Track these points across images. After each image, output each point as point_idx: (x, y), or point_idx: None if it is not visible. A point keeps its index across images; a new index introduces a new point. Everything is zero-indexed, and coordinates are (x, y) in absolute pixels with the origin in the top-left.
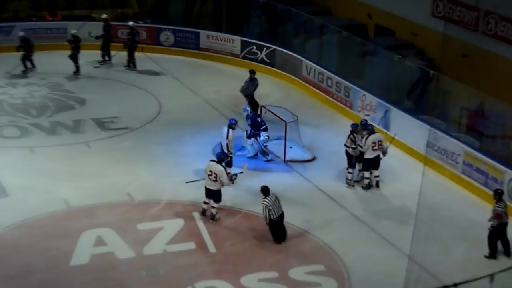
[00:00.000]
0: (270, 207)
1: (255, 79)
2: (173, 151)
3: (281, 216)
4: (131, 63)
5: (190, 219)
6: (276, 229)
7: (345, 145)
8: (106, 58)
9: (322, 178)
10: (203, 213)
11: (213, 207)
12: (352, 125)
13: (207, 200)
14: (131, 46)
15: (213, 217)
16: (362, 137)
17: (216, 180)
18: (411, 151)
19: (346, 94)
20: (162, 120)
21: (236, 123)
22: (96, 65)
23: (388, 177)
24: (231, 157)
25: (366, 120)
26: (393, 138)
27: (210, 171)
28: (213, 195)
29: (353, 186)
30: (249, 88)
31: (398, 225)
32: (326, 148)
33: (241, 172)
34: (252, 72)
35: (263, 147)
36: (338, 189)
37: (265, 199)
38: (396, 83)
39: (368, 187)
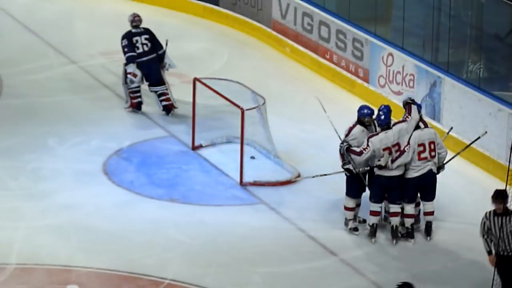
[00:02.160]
0: None
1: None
2: (23, 169)
3: None
4: None
5: None
6: None
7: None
8: None
9: (315, 216)
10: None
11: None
12: (360, 110)
13: (377, 206)
14: None
15: (396, 233)
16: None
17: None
18: (483, 161)
19: (358, 54)
20: (1, 111)
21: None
22: None
23: (443, 213)
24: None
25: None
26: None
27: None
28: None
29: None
30: None
31: None
32: (321, 157)
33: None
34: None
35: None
36: (348, 237)
37: None
38: (454, 29)
39: (408, 233)
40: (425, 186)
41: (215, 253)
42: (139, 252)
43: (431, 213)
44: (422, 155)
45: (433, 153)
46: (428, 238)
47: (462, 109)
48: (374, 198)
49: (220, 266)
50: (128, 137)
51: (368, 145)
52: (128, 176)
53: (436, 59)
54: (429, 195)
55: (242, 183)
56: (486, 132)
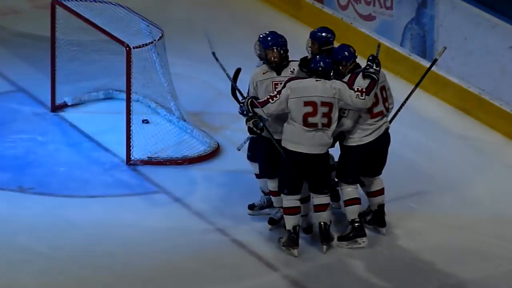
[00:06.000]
0: None
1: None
2: None
3: None
4: None
5: None
6: None
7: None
8: None
9: (242, 209)
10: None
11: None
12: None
13: (294, 200)
14: None
15: (327, 236)
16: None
17: (328, 125)
18: (497, 115)
19: None
20: None
21: None
22: None
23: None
24: None
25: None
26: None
27: (310, 102)
28: (318, 171)
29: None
30: None
31: None
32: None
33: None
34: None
35: None
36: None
37: None
38: None
39: (357, 229)
40: (379, 153)
41: (89, 270)
42: None
43: (382, 192)
44: (376, 109)
45: (386, 104)
46: (383, 230)
47: (467, 41)
48: (287, 188)
49: None
50: None
51: (280, 92)
52: None
53: None
54: (379, 166)
55: (129, 162)
56: (445, 48)
